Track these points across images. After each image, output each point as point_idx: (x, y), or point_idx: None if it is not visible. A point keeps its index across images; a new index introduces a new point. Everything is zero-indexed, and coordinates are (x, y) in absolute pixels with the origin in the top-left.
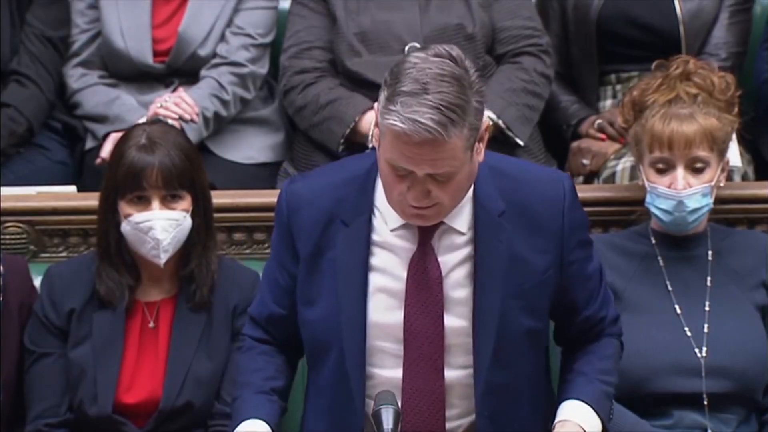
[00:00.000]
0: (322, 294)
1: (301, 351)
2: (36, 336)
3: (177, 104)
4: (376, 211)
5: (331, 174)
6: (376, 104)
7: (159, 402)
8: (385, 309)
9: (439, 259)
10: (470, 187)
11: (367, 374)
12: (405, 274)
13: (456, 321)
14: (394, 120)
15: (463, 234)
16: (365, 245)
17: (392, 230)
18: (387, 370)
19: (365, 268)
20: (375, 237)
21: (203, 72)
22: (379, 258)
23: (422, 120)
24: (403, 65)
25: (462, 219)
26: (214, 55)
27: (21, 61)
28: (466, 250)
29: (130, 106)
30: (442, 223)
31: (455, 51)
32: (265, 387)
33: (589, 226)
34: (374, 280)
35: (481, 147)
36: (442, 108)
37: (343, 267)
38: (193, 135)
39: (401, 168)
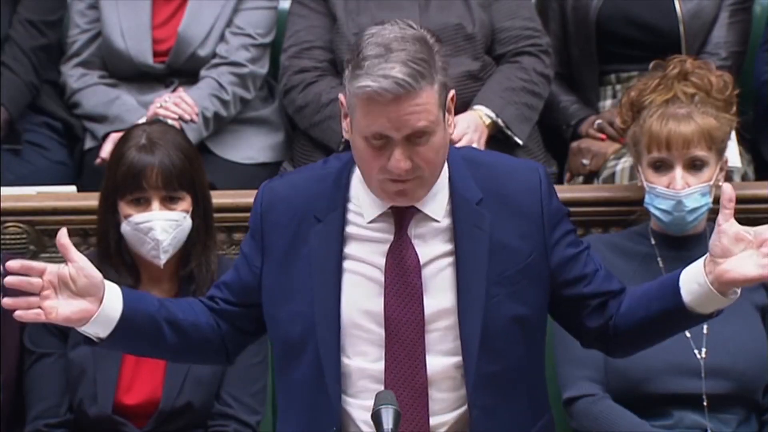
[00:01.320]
0: (297, 291)
1: (222, 350)
2: (36, 336)
3: (177, 104)
4: (350, 205)
5: (307, 172)
6: (340, 95)
7: (159, 402)
8: (363, 296)
9: (417, 247)
10: (444, 160)
11: (346, 369)
12: (382, 263)
13: (438, 307)
14: (364, 82)
15: (438, 222)
16: (339, 238)
17: (369, 222)
18: (368, 363)
19: (339, 259)
20: (349, 230)
21: (203, 72)
22: (354, 248)
23: (392, 74)
24: (361, 38)
25: (437, 206)
26: (214, 55)
27: (4, 50)
28: (446, 238)
29: (130, 106)
30: (417, 211)
31: (412, 23)
32: (162, 302)
33: (589, 225)
34: (350, 268)
35: (450, 119)
36: (409, 63)
37: (317, 260)
38: (192, 135)
39: (378, 136)
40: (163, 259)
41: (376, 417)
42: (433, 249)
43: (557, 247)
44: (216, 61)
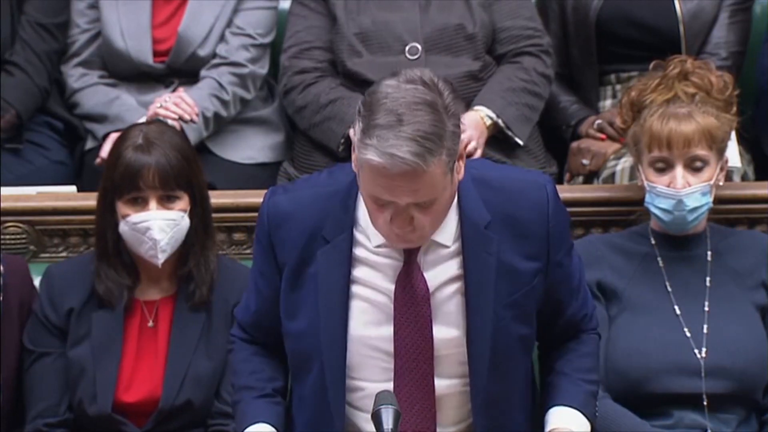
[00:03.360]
0: (303, 308)
1: None
2: (35, 336)
3: (177, 104)
4: (358, 227)
5: (313, 186)
6: (351, 131)
7: (158, 401)
8: (371, 322)
9: (426, 274)
10: (450, 205)
11: (355, 386)
12: (391, 288)
13: (447, 333)
14: (372, 155)
15: (447, 247)
16: (347, 261)
17: (376, 247)
18: (375, 384)
19: (347, 282)
20: (357, 253)
21: (203, 72)
22: (362, 272)
23: (400, 154)
24: (375, 95)
25: (446, 232)
26: (214, 55)
27: (14, 50)
28: (454, 263)
29: (129, 106)
30: None
31: (427, 75)
32: (267, 389)
33: (589, 225)
34: (358, 293)
35: (461, 165)
36: (418, 139)
37: (324, 282)
38: (193, 135)
39: (382, 200)
40: (161, 259)
41: (376, 417)
42: (442, 274)
43: (556, 269)
44: (216, 61)
